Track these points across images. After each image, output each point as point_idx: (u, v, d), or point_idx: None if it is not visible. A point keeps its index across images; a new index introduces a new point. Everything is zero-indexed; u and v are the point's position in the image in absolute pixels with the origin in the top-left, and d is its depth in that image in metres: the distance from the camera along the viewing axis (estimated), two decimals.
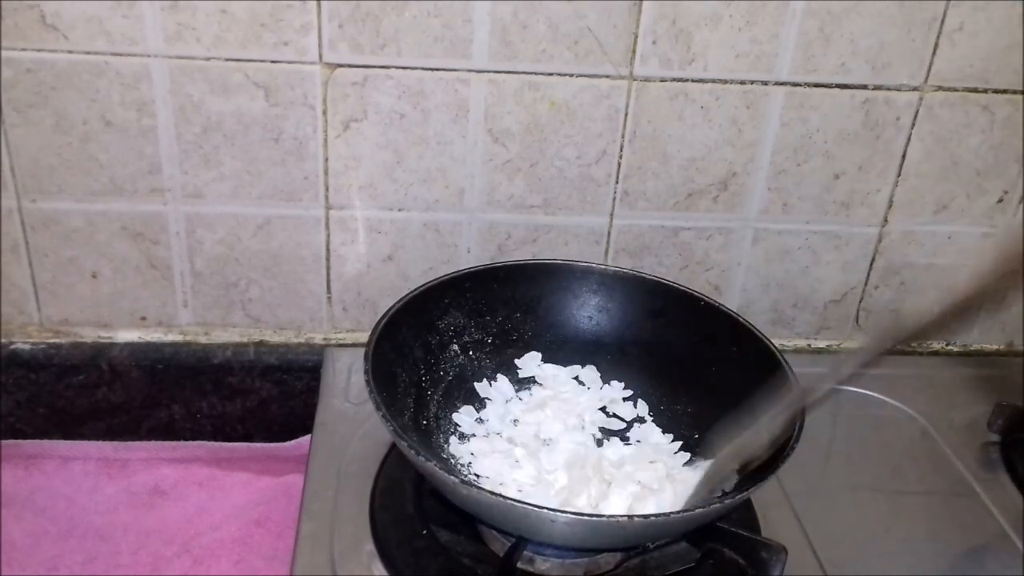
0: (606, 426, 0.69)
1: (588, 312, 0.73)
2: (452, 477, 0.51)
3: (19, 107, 0.68)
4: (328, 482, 0.65)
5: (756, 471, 0.56)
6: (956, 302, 0.49)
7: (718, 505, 0.53)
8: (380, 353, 0.61)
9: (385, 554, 0.59)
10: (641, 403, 0.71)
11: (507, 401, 0.70)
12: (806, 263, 0.82)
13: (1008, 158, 0.78)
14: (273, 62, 0.69)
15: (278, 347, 0.81)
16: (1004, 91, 0.76)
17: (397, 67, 0.70)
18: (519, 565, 0.57)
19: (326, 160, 0.73)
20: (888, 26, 0.72)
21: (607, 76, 0.72)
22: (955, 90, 0.75)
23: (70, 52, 0.67)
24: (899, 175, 0.79)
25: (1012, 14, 0.72)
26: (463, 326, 0.71)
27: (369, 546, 0.60)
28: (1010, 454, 0.74)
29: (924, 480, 0.72)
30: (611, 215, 0.78)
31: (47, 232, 0.73)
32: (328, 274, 0.78)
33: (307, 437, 0.72)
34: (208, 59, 0.68)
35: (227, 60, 0.68)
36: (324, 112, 0.71)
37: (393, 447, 0.67)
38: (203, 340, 0.80)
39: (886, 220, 0.81)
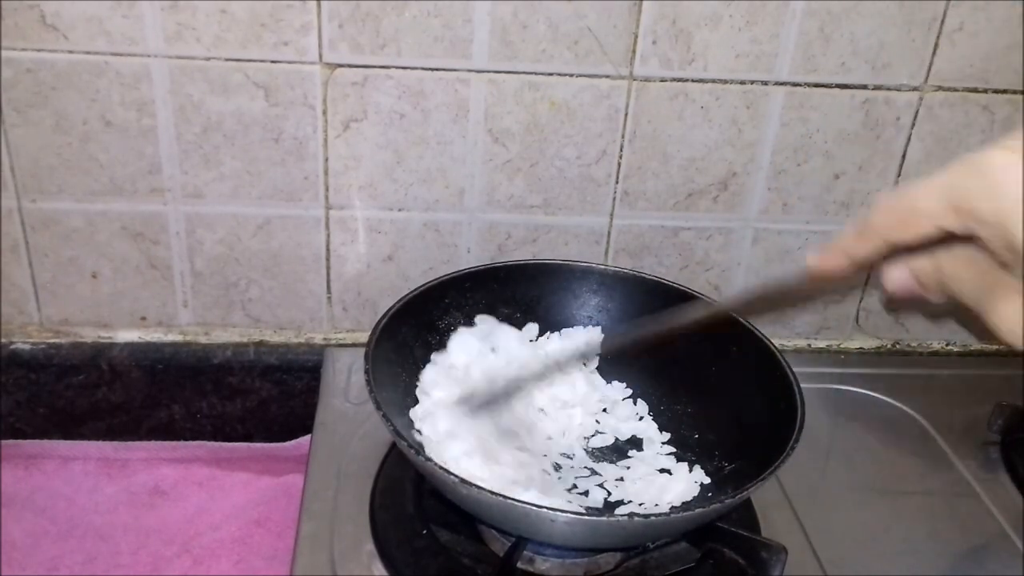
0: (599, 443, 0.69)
1: (588, 312, 0.73)
2: (452, 476, 0.51)
3: (19, 107, 0.68)
4: (328, 482, 0.65)
5: (756, 471, 0.56)
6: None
7: (718, 505, 0.53)
8: (380, 353, 0.61)
9: (385, 554, 0.59)
10: (641, 403, 0.71)
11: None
12: (806, 263, 0.82)
13: None
14: (273, 62, 0.69)
15: (278, 347, 0.81)
16: (1004, 91, 0.76)
17: (397, 67, 0.70)
18: (519, 565, 0.57)
19: (326, 160, 0.73)
20: (888, 26, 0.72)
21: (607, 76, 0.72)
22: (955, 90, 0.75)
23: (70, 52, 0.67)
24: (899, 175, 0.79)
25: (1012, 14, 0.72)
26: (464, 326, 0.71)
27: (369, 546, 0.60)
28: (1010, 454, 0.74)
29: (924, 480, 0.72)
30: (611, 215, 0.78)
31: (47, 232, 0.73)
32: (328, 274, 0.78)
33: (307, 437, 0.72)
34: (208, 59, 0.68)
35: (227, 60, 0.68)
36: (324, 112, 0.71)
37: (393, 447, 0.67)
38: (203, 340, 0.80)
39: None
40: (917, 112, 0.76)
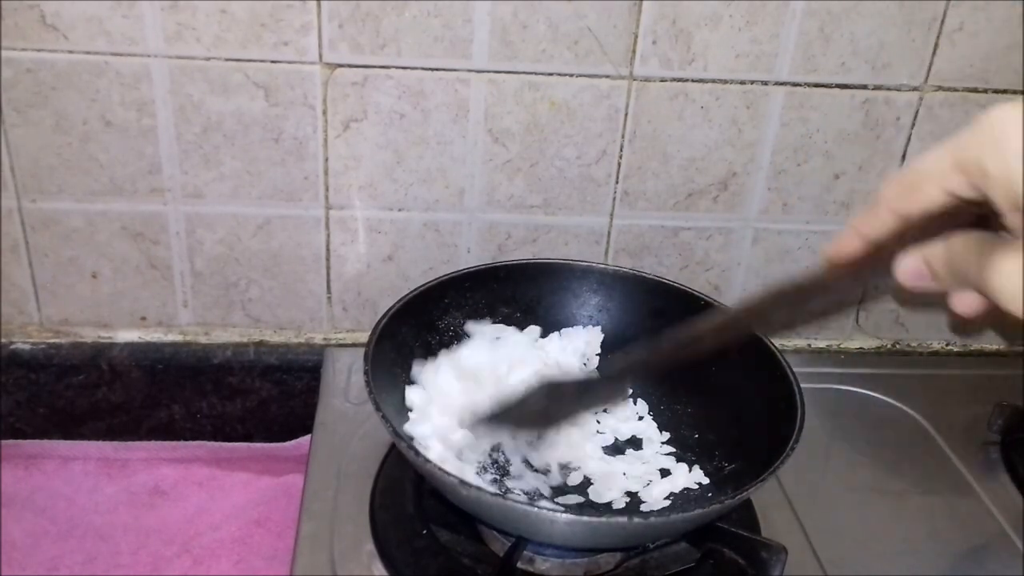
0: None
1: (588, 312, 0.73)
2: (452, 477, 0.51)
3: (19, 107, 0.68)
4: (328, 482, 0.65)
5: (756, 471, 0.56)
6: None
7: (718, 505, 0.53)
8: (380, 353, 0.61)
9: (385, 554, 0.59)
10: (641, 403, 0.71)
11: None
12: (806, 263, 0.82)
13: None
14: (273, 62, 0.69)
15: (278, 347, 0.81)
16: (1004, 91, 0.76)
17: (397, 67, 0.70)
18: (519, 565, 0.57)
19: (326, 160, 0.73)
20: (888, 26, 0.72)
21: (607, 76, 0.72)
22: (955, 90, 0.75)
23: (70, 52, 0.67)
24: None
25: (1012, 14, 0.72)
26: (463, 326, 0.71)
27: (369, 546, 0.60)
28: (1010, 454, 0.74)
29: (924, 480, 0.72)
30: (611, 215, 0.78)
31: (47, 232, 0.74)
32: (328, 274, 0.78)
33: (307, 437, 0.72)
34: (208, 59, 0.68)
35: (227, 60, 0.68)
36: (324, 112, 0.71)
37: (393, 447, 0.67)
38: (203, 340, 0.80)
39: None
40: (917, 112, 0.76)
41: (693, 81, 0.73)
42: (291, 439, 0.82)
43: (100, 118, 0.69)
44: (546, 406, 0.55)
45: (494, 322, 0.71)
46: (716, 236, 0.80)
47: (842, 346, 0.87)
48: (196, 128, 0.70)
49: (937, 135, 0.77)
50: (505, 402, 0.55)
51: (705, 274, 0.82)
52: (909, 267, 0.41)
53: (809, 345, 0.87)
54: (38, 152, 0.70)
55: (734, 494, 0.53)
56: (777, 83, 0.73)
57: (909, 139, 0.77)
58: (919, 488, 0.71)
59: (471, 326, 0.69)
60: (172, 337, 0.79)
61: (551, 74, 0.71)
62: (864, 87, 0.74)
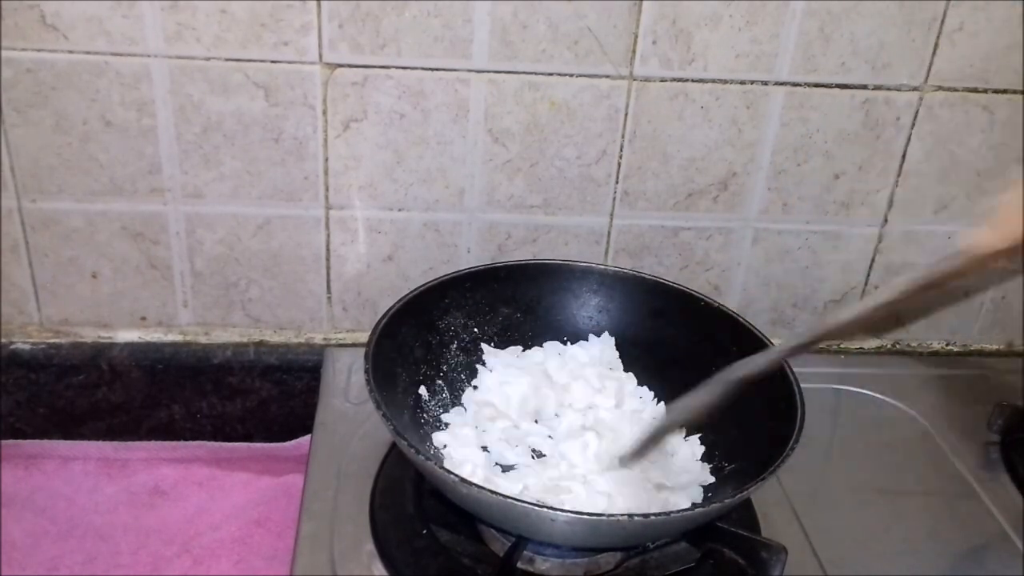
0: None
1: (588, 312, 0.73)
2: (452, 476, 0.51)
3: (19, 107, 0.68)
4: (328, 482, 0.65)
5: (756, 471, 0.56)
6: (878, 307, 0.50)
7: (718, 505, 0.53)
8: (380, 353, 0.61)
9: (385, 554, 0.59)
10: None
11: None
12: (806, 263, 0.82)
13: (1008, 158, 0.78)
14: (273, 62, 0.69)
15: (278, 347, 0.81)
16: (1004, 91, 0.76)
17: (397, 67, 0.70)
18: (519, 565, 0.57)
19: (326, 160, 0.73)
20: (888, 26, 0.72)
21: (607, 76, 0.72)
22: (955, 90, 0.75)
23: (70, 52, 0.67)
24: (899, 175, 0.79)
25: (1012, 14, 0.72)
26: (463, 326, 0.71)
27: (369, 546, 0.60)
28: (1010, 454, 0.74)
29: (924, 480, 0.72)
30: (611, 215, 0.78)
31: (47, 232, 0.73)
32: (328, 274, 0.78)
33: (307, 437, 0.72)
34: (208, 59, 0.68)
35: (227, 60, 0.68)
36: (324, 112, 0.71)
37: (393, 447, 0.67)
38: (203, 340, 0.80)
39: (886, 220, 0.81)
40: (917, 112, 0.76)
41: (693, 81, 0.73)
42: (291, 439, 0.82)
43: (100, 118, 0.69)
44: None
45: (504, 346, 0.72)
46: (716, 236, 0.80)
47: (842, 346, 0.87)
48: (196, 128, 0.70)
49: (937, 135, 0.77)
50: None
51: (705, 274, 0.82)
52: None
53: None
54: (38, 152, 0.70)
55: (734, 494, 0.53)
56: (777, 83, 0.73)
57: (909, 139, 0.77)
58: (919, 488, 0.71)
59: (488, 355, 0.70)
60: (172, 337, 0.79)
61: (551, 74, 0.71)
62: (864, 87, 0.74)
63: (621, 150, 0.75)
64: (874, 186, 0.79)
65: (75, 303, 0.77)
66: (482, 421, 0.67)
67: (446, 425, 0.67)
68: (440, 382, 0.69)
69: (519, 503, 0.50)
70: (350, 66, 0.69)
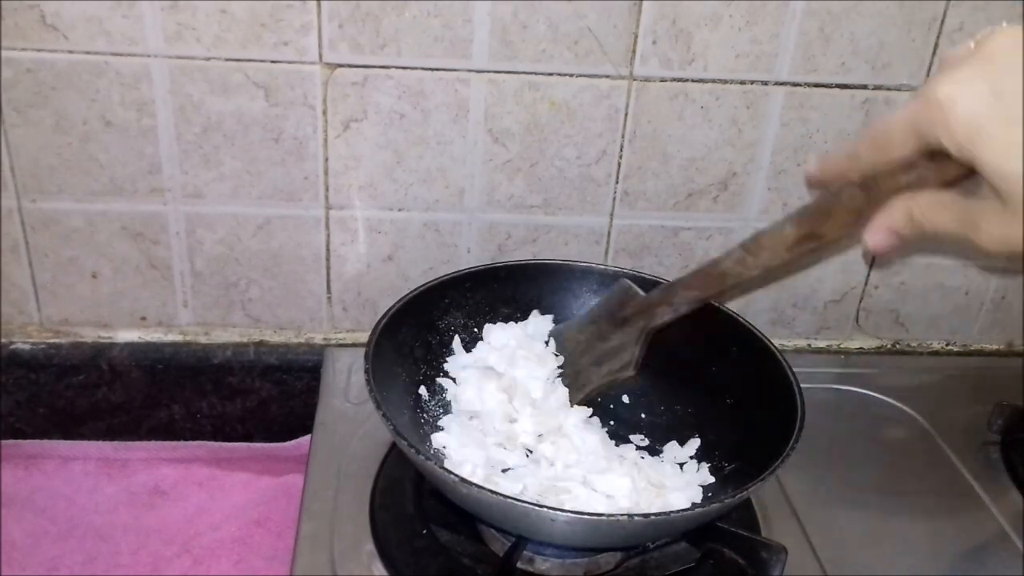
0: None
1: None
2: (452, 476, 0.51)
3: (19, 107, 0.68)
4: (328, 482, 0.65)
5: (756, 471, 0.56)
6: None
7: (718, 505, 0.53)
8: (380, 353, 0.61)
9: (385, 554, 0.59)
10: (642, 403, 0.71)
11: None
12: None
13: None
14: (273, 62, 0.69)
15: (278, 347, 0.81)
16: None
17: (397, 67, 0.70)
18: (519, 565, 0.58)
19: (326, 160, 0.73)
20: (888, 26, 0.72)
21: (607, 76, 0.72)
22: None
23: (70, 52, 0.67)
24: None
25: (1012, 14, 0.72)
26: (463, 326, 0.71)
27: (369, 546, 0.60)
28: (1010, 454, 0.74)
29: (924, 480, 0.72)
30: (611, 215, 0.78)
31: (47, 232, 0.74)
32: (328, 274, 0.78)
33: (307, 437, 0.72)
34: (208, 59, 0.68)
35: (227, 60, 0.68)
36: (324, 112, 0.71)
37: (393, 447, 0.67)
38: (203, 340, 0.80)
39: None
40: None
41: (693, 81, 0.73)
42: (291, 439, 0.82)
43: (100, 118, 0.69)
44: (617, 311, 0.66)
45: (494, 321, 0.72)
46: (716, 236, 0.80)
47: (842, 346, 0.87)
48: (196, 128, 0.70)
49: None
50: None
51: None
52: (877, 239, 0.48)
53: (809, 345, 0.87)
54: (38, 152, 0.70)
55: (734, 494, 0.53)
56: (777, 83, 0.73)
57: None
58: (919, 488, 0.71)
59: (451, 366, 0.70)
60: (172, 337, 0.79)
61: (551, 74, 0.71)
62: (864, 87, 0.74)
63: (621, 150, 0.75)
64: None
65: (75, 303, 0.77)
66: (472, 432, 0.66)
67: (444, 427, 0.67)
68: (440, 382, 0.69)
69: (519, 503, 0.50)
70: (350, 66, 0.69)
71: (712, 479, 0.64)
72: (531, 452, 0.64)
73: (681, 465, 0.66)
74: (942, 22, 0.72)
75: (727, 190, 0.78)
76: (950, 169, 0.45)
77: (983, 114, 0.41)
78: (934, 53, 0.73)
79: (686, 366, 0.70)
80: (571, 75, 0.71)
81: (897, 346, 0.88)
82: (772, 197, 0.78)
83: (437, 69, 0.70)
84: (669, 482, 0.64)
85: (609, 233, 0.79)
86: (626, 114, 0.73)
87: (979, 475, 0.72)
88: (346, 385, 0.76)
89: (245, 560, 0.71)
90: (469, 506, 0.55)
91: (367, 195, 0.75)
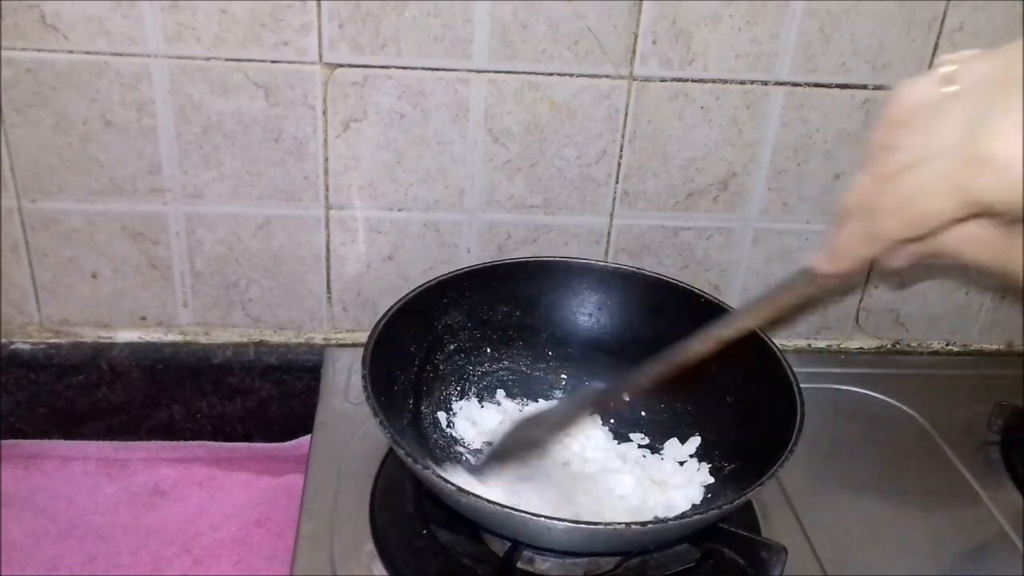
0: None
1: (588, 310, 0.73)
2: (449, 485, 0.51)
3: (19, 107, 0.68)
4: (328, 482, 0.65)
5: (756, 471, 0.56)
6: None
7: (716, 511, 0.53)
8: (378, 356, 0.61)
9: (385, 554, 0.59)
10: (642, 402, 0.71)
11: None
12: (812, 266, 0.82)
13: None
14: (273, 62, 0.69)
15: (278, 347, 0.81)
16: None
17: (397, 67, 0.70)
18: (519, 565, 0.57)
19: (326, 160, 0.73)
20: (888, 26, 0.72)
21: (607, 76, 0.72)
22: None
23: (70, 52, 0.67)
24: None
25: (1012, 14, 0.72)
26: (463, 325, 0.71)
27: (369, 546, 0.60)
28: (1010, 454, 0.74)
29: (924, 480, 0.72)
30: (611, 215, 0.78)
31: (47, 232, 0.73)
32: (328, 274, 0.78)
33: (307, 437, 0.72)
34: (208, 59, 0.68)
35: (227, 60, 0.68)
36: (324, 112, 0.71)
37: None
38: (203, 340, 0.80)
39: None
40: None
41: (693, 81, 0.73)
42: (291, 439, 0.82)
43: (100, 118, 0.69)
44: (529, 437, 0.62)
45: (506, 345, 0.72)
46: (716, 236, 0.80)
47: (842, 346, 0.87)
48: (196, 128, 0.70)
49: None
50: (496, 445, 0.63)
51: (705, 274, 0.82)
52: (902, 260, 0.43)
53: (809, 345, 0.87)
54: (38, 152, 0.70)
55: (733, 498, 0.53)
56: (777, 83, 0.73)
57: None
58: (919, 488, 0.71)
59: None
60: (172, 337, 0.79)
61: (551, 74, 0.71)
62: (864, 87, 0.74)
63: (621, 150, 0.75)
64: None
65: (75, 303, 0.77)
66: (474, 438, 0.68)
67: (444, 426, 0.67)
68: (440, 383, 0.69)
69: (516, 512, 0.50)
70: (350, 66, 0.69)
71: (712, 479, 0.64)
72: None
73: (681, 463, 0.66)
74: (942, 22, 0.72)
75: (727, 190, 0.78)
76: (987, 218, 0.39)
77: None
78: (934, 53, 0.73)
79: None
80: (571, 75, 0.71)
81: (897, 346, 0.88)
82: (772, 197, 0.78)
83: (437, 69, 0.70)
84: (671, 480, 0.64)
85: (609, 233, 0.79)
86: (626, 114, 0.73)
87: (979, 475, 0.72)
88: (346, 385, 0.76)
89: (245, 560, 0.71)
90: (468, 514, 0.55)
91: (367, 195, 0.75)
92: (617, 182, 0.76)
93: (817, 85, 0.74)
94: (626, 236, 0.79)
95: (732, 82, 0.73)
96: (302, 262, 0.77)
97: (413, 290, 0.67)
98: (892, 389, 0.80)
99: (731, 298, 0.83)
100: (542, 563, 0.59)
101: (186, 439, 0.82)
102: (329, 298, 0.79)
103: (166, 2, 0.66)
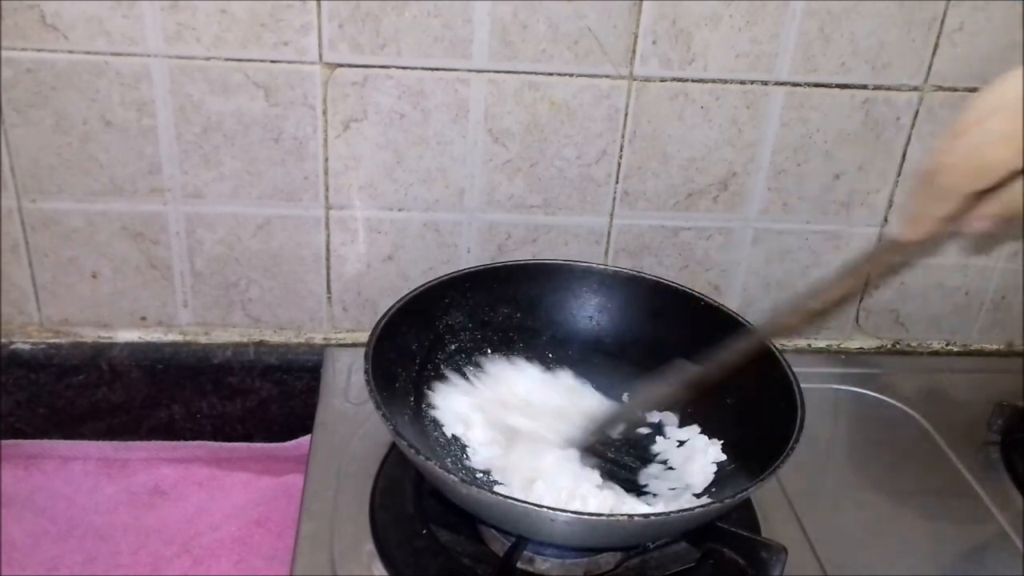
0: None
1: (588, 312, 0.73)
2: (452, 476, 0.51)
3: (19, 107, 0.68)
4: (328, 482, 0.65)
5: (756, 471, 0.56)
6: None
7: (718, 505, 0.53)
8: (380, 353, 0.61)
9: (385, 554, 0.59)
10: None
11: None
12: (806, 263, 0.82)
13: None
14: (273, 62, 0.69)
15: (278, 347, 0.81)
16: None
17: (397, 67, 0.70)
18: (519, 565, 0.57)
19: (326, 160, 0.73)
20: (888, 26, 0.72)
21: (607, 76, 0.72)
22: (955, 90, 0.75)
23: (70, 52, 0.67)
24: (899, 175, 0.79)
25: (1012, 14, 0.72)
26: (464, 326, 0.71)
27: (369, 546, 0.60)
28: (1010, 454, 0.74)
29: (924, 480, 0.72)
30: (611, 215, 0.78)
31: (47, 232, 0.73)
32: (328, 274, 0.78)
33: (307, 437, 0.72)
34: (208, 59, 0.68)
35: (227, 60, 0.68)
36: (324, 112, 0.71)
37: (393, 447, 0.67)
38: (203, 340, 0.80)
39: (886, 220, 0.81)
40: (917, 112, 0.76)
41: (693, 81, 0.73)
42: (291, 439, 0.82)
43: (100, 118, 0.69)
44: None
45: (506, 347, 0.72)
46: (716, 236, 0.80)
47: (842, 346, 0.87)
48: (196, 128, 0.70)
49: (937, 135, 0.77)
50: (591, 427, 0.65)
51: (705, 274, 0.82)
52: (978, 225, 0.46)
53: (809, 345, 0.87)
54: (38, 152, 0.70)
55: (734, 494, 0.53)
56: (777, 83, 0.73)
57: (909, 139, 0.77)
58: (919, 488, 0.71)
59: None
60: (172, 337, 0.79)
61: (551, 74, 0.71)
62: (864, 87, 0.74)
63: (621, 150, 0.75)
64: (874, 186, 0.79)
65: (75, 303, 0.77)
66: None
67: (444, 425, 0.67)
68: (440, 383, 0.69)
69: (519, 503, 0.50)
70: (350, 66, 0.69)
71: (724, 456, 0.64)
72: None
73: (682, 443, 0.67)
74: (942, 22, 0.72)
75: (727, 190, 0.78)
76: None
77: None
78: (934, 53, 0.73)
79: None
80: (571, 75, 0.71)
81: (897, 346, 0.88)
82: (772, 197, 0.78)
83: (437, 69, 0.70)
84: (671, 480, 0.64)
85: (609, 233, 0.79)
86: (626, 114, 0.73)
87: (979, 475, 0.72)
88: (346, 385, 0.76)
89: (245, 560, 0.71)
90: (468, 506, 0.55)
91: (367, 195, 0.75)
92: (617, 182, 0.76)
93: (817, 85, 0.74)
94: (626, 236, 0.79)
95: (732, 82, 0.73)
96: (302, 262, 0.77)
97: (415, 289, 0.67)
98: (892, 389, 0.80)
99: (731, 298, 0.83)
100: (542, 563, 0.59)
101: (186, 439, 0.82)
102: (329, 298, 0.79)
103: (166, 2, 0.66)
